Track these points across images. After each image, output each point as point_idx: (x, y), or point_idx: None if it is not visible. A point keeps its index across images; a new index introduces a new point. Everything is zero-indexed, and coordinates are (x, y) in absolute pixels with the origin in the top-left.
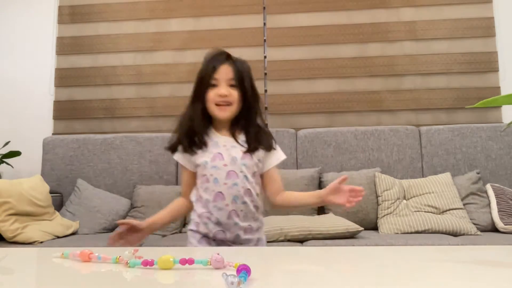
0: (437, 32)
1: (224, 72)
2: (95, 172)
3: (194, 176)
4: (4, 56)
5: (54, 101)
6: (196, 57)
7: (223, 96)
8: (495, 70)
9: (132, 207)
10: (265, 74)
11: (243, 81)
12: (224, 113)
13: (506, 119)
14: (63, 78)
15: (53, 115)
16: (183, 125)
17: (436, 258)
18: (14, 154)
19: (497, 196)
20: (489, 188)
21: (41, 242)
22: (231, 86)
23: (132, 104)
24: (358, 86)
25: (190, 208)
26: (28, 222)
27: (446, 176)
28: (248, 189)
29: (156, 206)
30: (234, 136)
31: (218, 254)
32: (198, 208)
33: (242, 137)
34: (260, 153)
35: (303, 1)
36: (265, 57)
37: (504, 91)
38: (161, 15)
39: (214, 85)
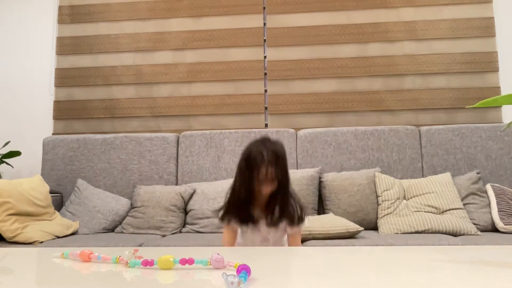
0: (437, 32)
1: (269, 174)
2: (95, 172)
3: (234, 235)
4: (4, 56)
5: (54, 101)
6: (196, 57)
7: (266, 194)
8: (495, 70)
9: (132, 207)
10: (265, 74)
11: (279, 162)
12: (267, 190)
13: (506, 119)
14: (63, 78)
15: (53, 115)
16: (237, 200)
17: (436, 258)
18: (14, 154)
19: (497, 196)
20: (489, 188)
21: (41, 242)
22: (272, 180)
23: (132, 104)
24: (358, 86)
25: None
26: (28, 222)
27: (446, 176)
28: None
29: (156, 206)
30: (269, 212)
31: (218, 254)
32: None
33: (276, 215)
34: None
35: (303, 1)
36: (265, 57)
37: (504, 91)
38: (161, 15)
39: (259, 179)
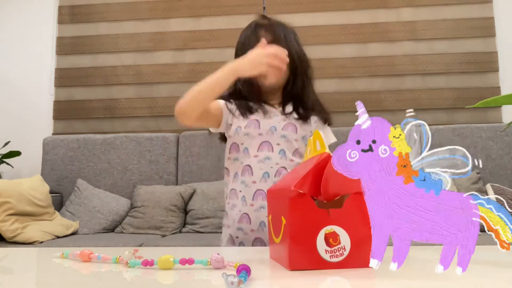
0: (437, 32)
1: (267, 35)
2: (95, 172)
3: (215, 120)
4: (4, 56)
5: (54, 101)
6: (196, 57)
7: (277, 74)
8: (495, 70)
9: (132, 207)
10: None
11: (284, 42)
12: (272, 79)
13: (506, 119)
14: (63, 78)
15: (53, 115)
16: (236, 88)
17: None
18: (14, 154)
19: (497, 196)
20: (489, 188)
21: (41, 242)
22: None
23: (132, 104)
24: (358, 86)
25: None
26: (28, 222)
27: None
28: (284, 167)
29: (156, 206)
30: (282, 106)
31: (218, 254)
32: (229, 190)
33: (290, 107)
34: (310, 126)
35: (303, 1)
36: None
37: (504, 91)
38: (161, 15)
39: None
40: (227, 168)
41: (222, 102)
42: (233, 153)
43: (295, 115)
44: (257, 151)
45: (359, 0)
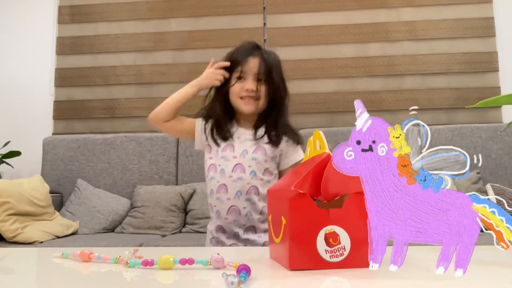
0: (437, 32)
1: (253, 65)
2: (95, 172)
3: (187, 133)
4: (4, 56)
5: (54, 101)
6: (196, 57)
7: (249, 91)
8: (495, 70)
9: (132, 207)
10: None
11: (272, 75)
12: (249, 107)
13: (506, 119)
14: (63, 78)
15: (53, 115)
16: (213, 110)
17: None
18: (14, 154)
19: (497, 196)
20: (489, 188)
21: (41, 242)
22: (259, 80)
23: (132, 104)
24: (358, 86)
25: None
26: (28, 222)
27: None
28: (255, 186)
29: (156, 206)
30: (255, 130)
31: (218, 254)
32: (208, 204)
33: (262, 130)
34: (279, 148)
35: (303, 1)
36: None
37: (504, 91)
38: (161, 15)
39: (240, 78)
40: (207, 184)
41: (198, 121)
42: (211, 172)
43: (265, 139)
44: (232, 172)
45: (359, 0)
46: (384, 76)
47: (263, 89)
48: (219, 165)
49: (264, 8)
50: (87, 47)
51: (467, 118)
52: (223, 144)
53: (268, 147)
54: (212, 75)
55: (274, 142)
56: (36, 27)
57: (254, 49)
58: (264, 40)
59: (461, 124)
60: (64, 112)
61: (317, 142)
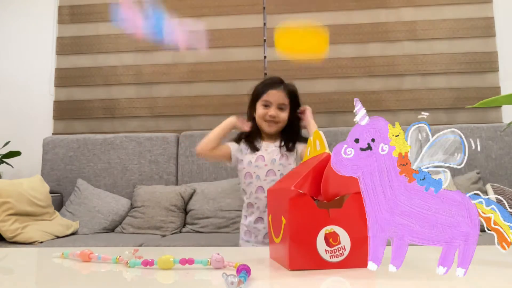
0: (437, 32)
1: (276, 96)
2: (95, 172)
3: (225, 156)
4: (4, 56)
5: (54, 101)
6: (196, 57)
7: (272, 117)
8: (495, 70)
9: (132, 207)
10: (265, 74)
11: (290, 104)
12: (270, 129)
13: (506, 119)
14: (63, 78)
15: (53, 115)
16: (244, 132)
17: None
18: (14, 154)
19: (497, 196)
20: (489, 188)
21: (41, 242)
22: (280, 109)
23: (132, 104)
24: (358, 86)
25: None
26: (28, 222)
27: None
28: None
29: (156, 206)
30: (278, 143)
31: (218, 254)
32: (246, 204)
33: (282, 143)
34: (297, 152)
35: (303, 1)
36: (265, 57)
37: (504, 91)
38: None
39: (266, 106)
40: (244, 189)
41: (232, 145)
42: (248, 178)
43: (285, 148)
44: (265, 176)
45: (359, 0)
46: (384, 76)
47: (282, 115)
48: (254, 173)
49: (264, 8)
50: (87, 47)
51: (467, 118)
52: (255, 156)
53: (288, 153)
54: (244, 123)
55: (291, 149)
56: (36, 27)
57: (278, 83)
58: (264, 40)
59: (461, 124)
60: (64, 112)
61: (317, 142)
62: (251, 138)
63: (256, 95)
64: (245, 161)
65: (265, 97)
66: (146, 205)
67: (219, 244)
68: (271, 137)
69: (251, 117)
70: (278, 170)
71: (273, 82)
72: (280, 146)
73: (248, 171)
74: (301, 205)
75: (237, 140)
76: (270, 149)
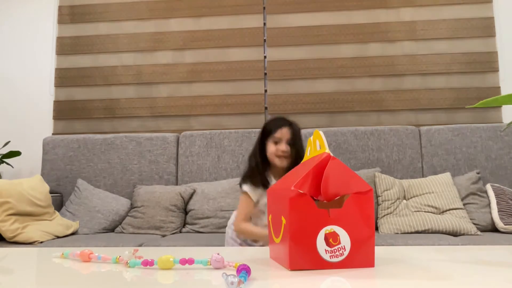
0: (437, 32)
1: (286, 133)
2: (95, 172)
3: (253, 206)
4: (4, 56)
5: (54, 101)
6: (196, 57)
7: (284, 152)
8: (495, 70)
9: (132, 207)
10: (265, 74)
11: (297, 141)
12: (283, 163)
13: (506, 119)
14: (63, 78)
15: (53, 115)
16: (253, 166)
17: (436, 258)
18: (14, 154)
19: (497, 196)
20: (489, 188)
21: (41, 242)
22: (289, 144)
23: (132, 104)
24: (358, 86)
25: None
26: (28, 222)
27: (446, 176)
28: None
29: (156, 206)
30: None
31: (218, 254)
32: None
33: None
34: None
35: (303, 1)
36: (265, 57)
37: (504, 91)
38: (161, 15)
39: (276, 142)
40: (255, 223)
41: (252, 196)
42: (259, 215)
43: None
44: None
45: (359, 0)
46: (384, 76)
47: (292, 150)
48: (263, 212)
49: (264, 8)
50: (87, 47)
51: (467, 118)
52: (264, 193)
53: None
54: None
55: None
56: (36, 27)
57: (285, 121)
58: (264, 40)
59: (461, 124)
60: (64, 112)
61: (317, 142)
62: (263, 178)
63: (267, 133)
64: (261, 201)
65: (276, 134)
66: (146, 205)
67: (219, 244)
68: (280, 173)
69: (260, 153)
70: None
71: (283, 121)
72: None
73: (261, 209)
74: (301, 205)
75: (251, 179)
76: None
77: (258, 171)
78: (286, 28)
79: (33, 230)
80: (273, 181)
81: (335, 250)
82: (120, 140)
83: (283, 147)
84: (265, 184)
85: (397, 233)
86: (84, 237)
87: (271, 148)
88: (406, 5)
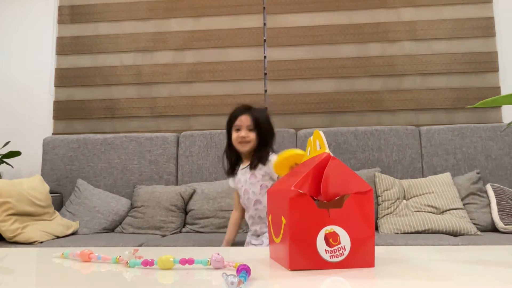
0: (437, 32)
1: (245, 120)
2: (95, 172)
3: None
4: (4, 56)
5: (54, 101)
6: (196, 57)
7: (242, 137)
8: (495, 70)
9: (132, 207)
10: (265, 74)
11: (260, 125)
12: (244, 148)
13: (506, 119)
14: (63, 78)
15: (53, 115)
16: (226, 157)
17: (436, 258)
18: (14, 154)
19: (497, 196)
20: (489, 188)
21: (41, 242)
22: (250, 130)
23: (132, 104)
24: (358, 86)
25: (242, 215)
26: (28, 222)
27: (446, 176)
28: (257, 199)
29: (156, 206)
30: (249, 163)
31: (218, 254)
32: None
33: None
34: (263, 168)
35: (303, 1)
36: (265, 57)
37: (504, 91)
38: (161, 15)
39: (238, 130)
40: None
41: (235, 186)
42: (240, 198)
43: (253, 167)
44: (243, 195)
45: (359, 0)
46: (384, 76)
47: (251, 135)
48: (240, 195)
49: (264, 8)
50: (87, 47)
51: (467, 118)
52: (237, 178)
53: (255, 172)
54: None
55: (254, 167)
56: (36, 27)
57: (243, 108)
58: (264, 40)
59: (461, 124)
60: (64, 112)
61: (317, 142)
62: (235, 163)
63: (229, 123)
64: (236, 186)
65: (236, 122)
66: (146, 205)
67: (219, 244)
68: (248, 157)
69: (228, 143)
70: (250, 188)
71: (241, 109)
72: (249, 166)
73: (238, 193)
74: (301, 205)
75: (228, 171)
76: (243, 170)
77: (229, 161)
78: (286, 28)
79: (33, 230)
80: (240, 166)
81: (335, 250)
82: (120, 140)
83: (242, 133)
84: (235, 171)
85: (397, 233)
86: (84, 237)
87: (233, 135)
88: (406, 5)
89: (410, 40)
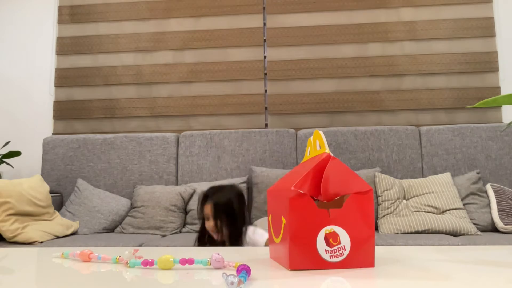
0: (437, 32)
1: (208, 210)
2: (95, 172)
3: None
4: (4, 56)
5: (54, 101)
6: (196, 57)
7: (212, 228)
8: (495, 70)
9: (132, 207)
10: (265, 74)
11: (223, 212)
12: (218, 237)
13: (506, 119)
14: (63, 78)
15: (53, 115)
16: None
17: (436, 258)
18: (14, 154)
19: (497, 196)
20: (489, 188)
21: (41, 242)
22: (214, 218)
23: (132, 104)
24: (358, 86)
25: None
26: (28, 222)
27: (446, 176)
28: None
29: (156, 206)
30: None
31: (218, 254)
32: None
33: None
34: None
35: (303, 1)
36: (265, 57)
37: (504, 91)
38: (161, 15)
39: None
40: None
41: None
42: None
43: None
44: None
45: (359, 0)
46: (384, 76)
47: (219, 224)
48: None
49: (264, 8)
50: (87, 47)
51: (467, 118)
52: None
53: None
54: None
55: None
56: (36, 27)
57: (206, 196)
58: (264, 40)
59: (461, 124)
60: (64, 112)
61: (317, 142)
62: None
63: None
64: None
65: (204, 211)
66: (146, 205)
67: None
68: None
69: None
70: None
71: (205, 196)
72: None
73: None
74: (301, 205)
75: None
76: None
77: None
78: (286, 28)
79: (33, 230)
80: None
81: (335, 250)
82: (120, 140)
83: (210, 224)
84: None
85: (397, 233)
86: (84, 237)
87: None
88: (406, 5)
89: (410, 40)
